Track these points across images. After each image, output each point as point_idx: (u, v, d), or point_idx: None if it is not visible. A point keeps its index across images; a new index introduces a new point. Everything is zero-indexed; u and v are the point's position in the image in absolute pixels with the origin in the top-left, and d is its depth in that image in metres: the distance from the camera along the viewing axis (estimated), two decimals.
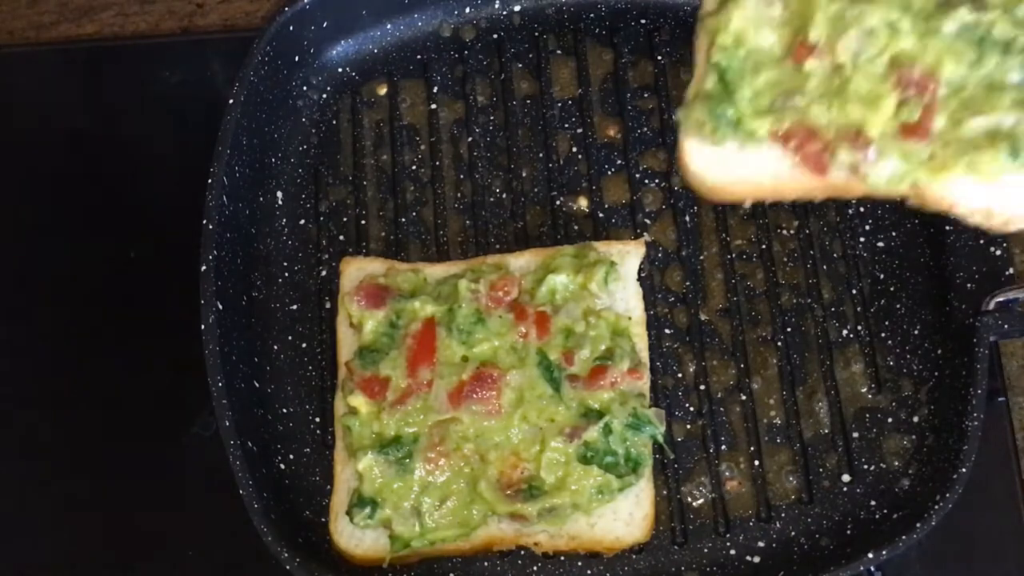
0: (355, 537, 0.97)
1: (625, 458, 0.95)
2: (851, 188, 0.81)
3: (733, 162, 0.82)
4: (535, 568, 1.00)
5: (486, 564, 1.00)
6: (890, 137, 0.78)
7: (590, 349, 0.97)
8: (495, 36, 1.16)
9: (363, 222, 1.11)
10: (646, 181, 1.10)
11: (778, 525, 1.00)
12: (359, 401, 0.97)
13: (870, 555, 0.92)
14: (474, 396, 0.96)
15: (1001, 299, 0.98)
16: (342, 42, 1.15)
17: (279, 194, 1.12)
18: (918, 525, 0.93)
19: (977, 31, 0.77)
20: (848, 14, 0.78)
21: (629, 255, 1.03)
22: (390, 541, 0.95)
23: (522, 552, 0.99)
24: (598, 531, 0.96)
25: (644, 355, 1.00)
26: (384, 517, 0.95)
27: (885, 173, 0.79)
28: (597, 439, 0.95)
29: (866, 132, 0.78)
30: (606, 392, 0.96)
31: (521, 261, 1.03)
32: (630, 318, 1.01)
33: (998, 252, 1.01)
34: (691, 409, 1.04)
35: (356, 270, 1.04)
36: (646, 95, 1.13)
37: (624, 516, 0.97)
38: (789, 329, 1.05)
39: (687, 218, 1.09)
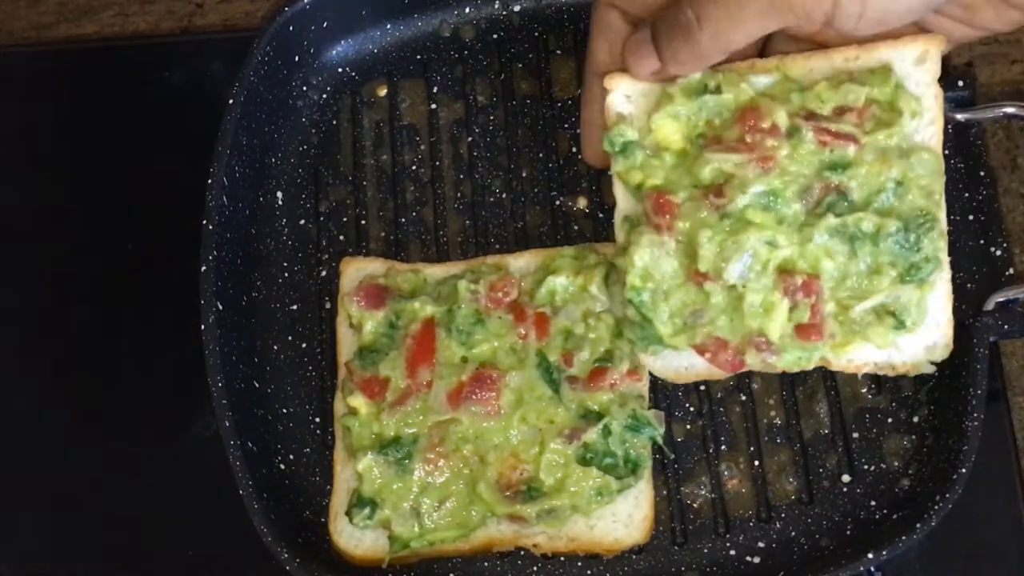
0: (355, 537, 0.97)
1: (624, 460, 0.95)
2: (770, 368, 0.92)
3: (673, 362, 0.96)
4: (535, 568, 1.00)
5: (486, 564, 1.00)
6: (789, 336, 0.88)
7: (589, 351, 0.97)
8: (495, 36, 1.16)
9: (363, 222, 1.11)
10: None
11: (778, 525, 1.00)
12: (359, 401, 0.97)
13: (870, 555, 0.92)
14: (473, 397, 0.96)
15: (1001, 299, 0.98)
16: (342, 42, 1.15)
17: (279, 194, 1.12)
18: (918, 525, 0.93)
19: (847, 231, 0.87)
20: (728, 245, 0.87)
21: None
22: (389, 541, 0.95)
23: (522, 552, 0.99)
24: (597, 533, 0.96)
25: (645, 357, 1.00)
26: (383, 518, 0.95)
27: (791, 362, 0.90)
28: (596, 441, 0.95)
29: (767, 336, 0.88)
30: (605, 394, 0.96)
31: (521, 262, 1.03)
32: None
33: (998, 252, 1.01)
34: (691, 409, 1.04)
35: (356, 270, 1.04)
36: None
37: (623, 518, 0.97)
38: None
39: None
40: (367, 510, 0.95)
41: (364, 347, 1.00)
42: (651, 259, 0.90)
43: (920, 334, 0.92)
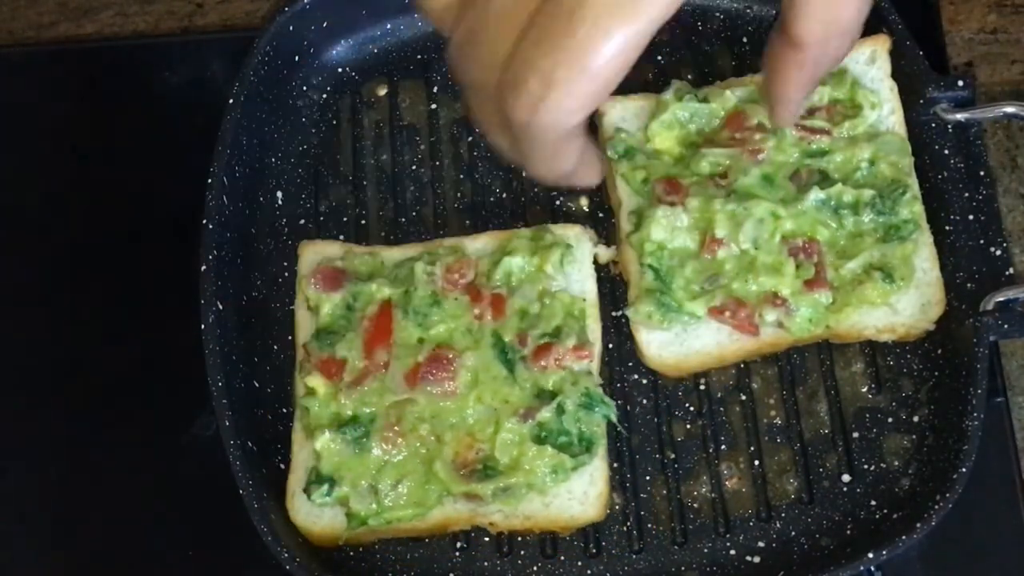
0: (312, 514, 0.97)
1: (578, 438, 0.95)
2: (780, 342, 1.00)
3: (682, 341, 1.01)
4: (535, 568, 0.99)
5: (486, 564, 0.99)
6: (799, 293, 0.97)
7: (542, 330, 0.98)
8: None
9: (363, 222, 1.11)
10: None
11: (778, 525, 1.00)
12: (316, 382, 0.97)
13: (870, 555, 0.92)
14: (430, 377, 0.96)
15: (1001, 299, 0.98)
16: (342, 42, 1.15)
17: (279, 194, 1.12)
18: (918, 525, 0.92)
19: (831, 203, 0.99)
20: (739, 212, 0.98)
21: (583, 238, 1.04)
22: (347, 519, 0.95)
23: (522, 552, 0.99)
24: (553, 510, 0.96)
25: (596, 335, 1.00)
26: (342, 495, 0.95)
27: (803, 322, 0.98)
28: (551, 419, 0.95)
29: (780, 294, 0.97)
30: (558, 373, 0.97)
31: (478, 243, 1.03)
32: (584, 299, 1.01)
33: (998, 252, 1.00)
34: (691, 409, 1.04)
35: (313, 253, 1.04)
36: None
37: (579, 495, 0.96)
38: None
39: None
40: (325, 487, 0.95)
41: (321, 329, 1.00)
42: (667, 231, 0.99)
43: (913, 293, 1.00)
